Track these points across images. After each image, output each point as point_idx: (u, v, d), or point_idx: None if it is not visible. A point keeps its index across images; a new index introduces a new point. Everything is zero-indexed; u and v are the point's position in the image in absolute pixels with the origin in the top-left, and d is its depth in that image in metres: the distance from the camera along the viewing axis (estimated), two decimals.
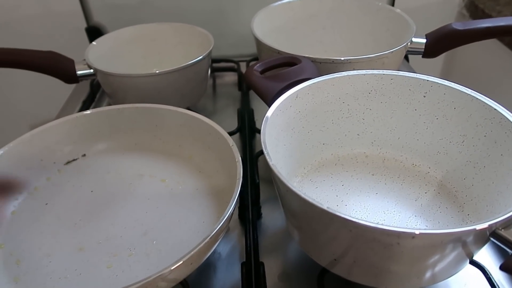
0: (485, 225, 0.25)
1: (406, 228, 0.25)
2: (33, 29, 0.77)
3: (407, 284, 0.31)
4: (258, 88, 0.42)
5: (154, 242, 0.37)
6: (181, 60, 0.61)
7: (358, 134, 0.45)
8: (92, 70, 0.53)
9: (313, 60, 0.46)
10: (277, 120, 0.38)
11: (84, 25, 0.75)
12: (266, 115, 0.36)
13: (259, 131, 0.54)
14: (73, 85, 0.70)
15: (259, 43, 0.52)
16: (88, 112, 0.47)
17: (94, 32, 0.71)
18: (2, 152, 0.40)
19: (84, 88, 0.68)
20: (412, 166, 0.44)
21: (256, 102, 0.64)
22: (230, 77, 0.72)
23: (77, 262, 0.36)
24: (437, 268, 0.30)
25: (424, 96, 0.41)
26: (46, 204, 0.42)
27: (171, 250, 0.37)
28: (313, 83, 0.41)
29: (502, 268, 0.26)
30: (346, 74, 0.42)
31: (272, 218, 0.45)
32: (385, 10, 0.60)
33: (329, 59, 0.46)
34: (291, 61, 0.45)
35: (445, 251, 0.27)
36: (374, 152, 0.45)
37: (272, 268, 0.38)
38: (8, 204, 0.41)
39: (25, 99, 0.89)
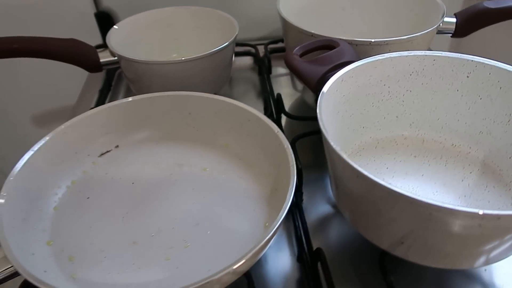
0: None
1: (490, 210, 0.25)
2: (37, 16, 0.74)
3: (471, 264, 0.32)
4: (301, 72, 0.41)
5: (208, 232, 0.37)
6: (199, 45, 0.60)
7: (397, 116, 0.45)
8: (115, 58, 0.51)
9: (350, 43, 0.45)
10: (325, 105, 0.38)
11: (91, 10, 0.72)
12: (320, 99, 0.36)
13: (290, 116, 0.54)
14: (75, 74, 0.68)
15: (289, 26, 0.51)
16: (119, 102, 0.45)
17: (104, 18, 0.68)
18: (40, 145, 0.39)
19: (97, 77, 0.66)
20: (452, 146, 0.44)
21: (277, 87, 0.63)
22: (246, 61, 0.71)
23: (133, 256, 0.35)
24: (502, 248, 0.30)
25: (468, 77, 0.41)
26: (88, 198, 0.40)
27: (227, 240, 0.36)
28: (357, 65, 0.40)
29: None
30: (388, 56, 0.41)
31: (313, 203, 0.44)
32: None
33: (367, 41, 0.46)
34: (329, 44, 0.44)
35: None
36: (413, 134, 0.45)
37: (327, 253, 0.38)
38: (49, 200, 0.39)
39: (24, 90, 0.86)
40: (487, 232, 0.27)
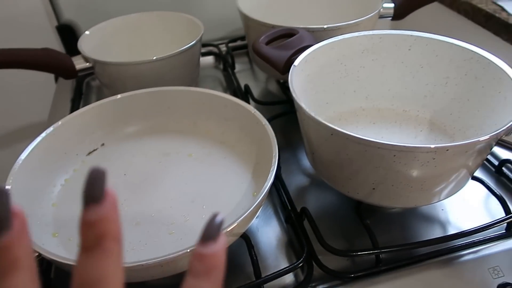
0: (499, 131, 0.32)
1: (439, 143, 0.32)
2: None
3: (429, 199, 0.38)
4: (269, 57, 0.46)
5: (204, 206, 0.41)
6: (166, 46, 0.63)
7: (354, 91, 0.51)
8: (89, 64, 0.54)
9: (307, 30, 0.51)
10: (295, 81, 0.43)
11: (48, 24, 0.74)
12: (291, 75, 0.41)
13: (260, 102, 0.59)
14: (44, 82, 0.69)
15: (250, 21, 0.56)
16: (103, 101, 0.48)
17: (65, 30, 0.70)
18: (34, 144, 0.41)
19: (66, 88, 0.67)
20: (403, 111, 0.51)
21: (242, 81, 0.67)
22: (209, 60, 0.75)
23: (138, 235, 0.38)
24: (454, 181, 0.37)
25: (409, 49, 0.48)
26: None
27: (223, 210, 0.40)
28: (317, 47, 0.46)
29: None
30: (342, 37, 0.48)
31: (290, 174, 0.49)
32: None
33: (321, 27, 0.52)
34: (289, 33, 0.50)
35: (467, 160, 0.34)
36: (369, 105, 0.52)
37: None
38: (47, 197, 0.41)
39: None
40: (440, 164, 0.33)
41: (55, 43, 0.74)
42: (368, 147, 0.33)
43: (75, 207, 0.41)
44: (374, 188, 0.37)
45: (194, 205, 0.41)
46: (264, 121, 0.43)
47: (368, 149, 0.34)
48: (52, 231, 0.39)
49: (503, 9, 0.72)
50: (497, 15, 0.71)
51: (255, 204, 0.34)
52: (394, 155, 0.33)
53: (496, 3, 0.74)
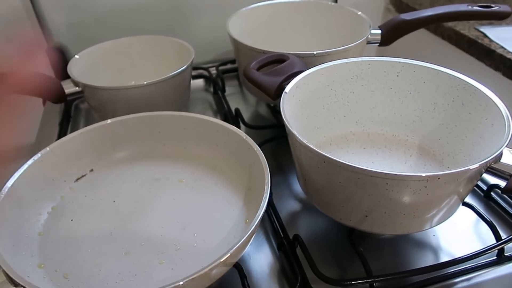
0: (488, 159, 0.33)
1: (430, 172, 0.32)
2: None
3: (421, 226, 0.38)
4: (260, 83, 0.46)
5: (195, 234, 0.40)
6: (156, 71, 0.63)
7: (344, 116, 0.52)
8: (78, 88, 0.53)
9: (297, 56, 0.52)
10: (286, 108, 0.43)
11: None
12: (282, 101, 0.41)
13: (250, 126, 0.59)
14: (30, 102, 0.68)
15: (241, 46, 0.57)
16: (91, 127, 0.47)
17: (55, 53, 0.69)
18: (20, 172, 0.40)
19: (54, 111, 0.67)
20: (393, 136, 0.51)
21: (232, 104, 0.68)
22: (199, 83, 0.75)
23: (128, 265, 0.37)
24: (445, 207, 0.37)
25: (397, 76, 0.49)
26: (72, 220, 0.42)
27: (214, 238, 0.39)
28: (308, 73, 0.47)
29: (504, 190, 0.33)
30: (332, 63, 0.48)
31: (281, 200, 0.49)
32: (337, 8, 0.68)
33: (311, 53, 0.52)
34: (280, 58, 0.50)
35: (457, 187, 0.34)
36: (359, 130, 0.52)
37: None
38: (33, 226, 0.40)
39: None
40: (431, 191, 0.33)
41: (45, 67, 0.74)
42: (361, 175, 0.34)
43: (64, 235, 0.40)
44: (366, 216, 0.37)
45: (185, 233, 0.40)
46: (256, 147, 0.43)
47: (361, 177, 0.34)
48: (38, 262, 0.37)
49: (485, 36, 0.74)
50: (479, 41, 0.73)
51: (248, 233, 0.34)
52: (387, 183, 0.33)
53: (478, 30, 0.77)
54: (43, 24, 0.69)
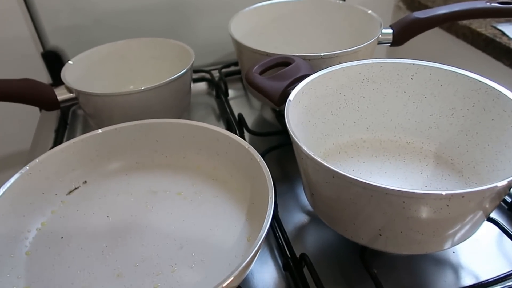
0: None
1: (453, 190, 0.28)
2: None
3: (441, 246, 0.35)
4: (264, 89, 0.43)
5: (193, 254, 0.37)
6: (155, 74, 0.60)
7: (354, 122, 0.48)
8: (72, 94, 0.51)
9: (303, 58, 0.48)
10: (291, 116, 0.40)
11: (35, 51, 0.71)
12: (287, 109, 0.38)
13: (254, 133, 0.56)
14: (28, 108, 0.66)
15: (243, 48, 0.53)
16: (84, 136, 0.44)
17: (51, 57, 0.67)
18: (5, 188, 0.37)
19: (51, 117, 0.64)
20: (407, 143, 0.48)
21: (235, 108, 0.65)
22: (202, 87, 0.72)
23: None
24: (467, 226, 0.33)
25: (412, 79, 0.45)
26: (62, 237, 0.39)
27: (213, 258, 0.36)
28: (315, 77, 0.43)
29: None
30: (340, 66, 0.45)
31: (287, 212, 0.46)
32: (345, 7, 0.65)
33: (318, 55, 0.49)
34: (285, 61, 0.47)
35: (483, 204, 0.31)
36: (371, 136, 0.49)
37: (310, 258, 0.39)
38: (19, 245, 0.37)
39: None
40: (454, 210, 0.30)
41: (41, 71, 0.72)
42: (374, 192, 0.30)
43: (52, 254, 0.37)
44: (380, 234, 0.34)
45: (182, 252, 0.37)
46: (259, 158, 0.39)
47: (375, 194, 0.30)
48: (24, 285, 0.35)
49: (503, 34, 0.70)
50: (497, 39, 0.69)
51: (252, 253, 0.30)
52: (404, 202, 0.30)
53: (495, 27, 0.73)
54: (39, 26, 0.67)
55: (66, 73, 0.53)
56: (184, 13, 0.73)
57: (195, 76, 0.72)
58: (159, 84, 0.50)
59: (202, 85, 0.73)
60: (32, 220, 0.40)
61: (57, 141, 0.58)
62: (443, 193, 0.28)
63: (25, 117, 0.74)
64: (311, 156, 0.33)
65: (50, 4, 0.66)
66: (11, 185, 0.38)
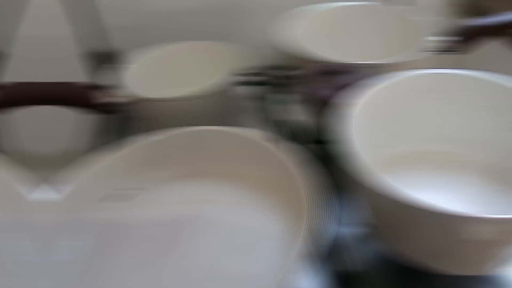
0: None
1: None
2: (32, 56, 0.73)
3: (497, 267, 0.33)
4: (316, 97, 0.42)
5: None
6: (210, 78, 0.60)
7: (407, 133, 0.46)
8: (127, 99, 0.52)
9: (360, 66, 0.47)
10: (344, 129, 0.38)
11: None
12: (349, 122, 0.37)
13: (306, 142, 0.54)
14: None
15: (295, 54, 0.52)
16: (141, 142, 0.45)
17: (105, 56, 0.68)
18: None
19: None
20: (462, 157, 0.45)
21: (286, 115, 0.63)
22: (248, 91, 0.71)
23: None
24: None
25: (473, 91, 0.43)
26: None
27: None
28: (379, 87, 0.42)
29: None
30: (406, 75, 0.43)
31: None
32: (405, 13, 0.61)
33: (377, 63, 0.47)
34: (339, 69, 0.46)
35: None
36: (424, 149, 0.46)
37: None
38: None
39: None
40: None
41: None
42: (439, 216, 0.28)
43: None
44: (440, 255, 0.32)
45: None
46: (305, 173, 0.38)
47: (438, 217, 0.29)
48: None
49: None
50: None
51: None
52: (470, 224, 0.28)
53: None
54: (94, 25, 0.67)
55: (123, 77, 0.53)
56: (234, 15, 0.73)
57: (243, 79, 0.71)
58: (211, 89, 0.50)
59: (249, 89, 0.72)
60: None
61: (95, 145, 0.58)
62: None
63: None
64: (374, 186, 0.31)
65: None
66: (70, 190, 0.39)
